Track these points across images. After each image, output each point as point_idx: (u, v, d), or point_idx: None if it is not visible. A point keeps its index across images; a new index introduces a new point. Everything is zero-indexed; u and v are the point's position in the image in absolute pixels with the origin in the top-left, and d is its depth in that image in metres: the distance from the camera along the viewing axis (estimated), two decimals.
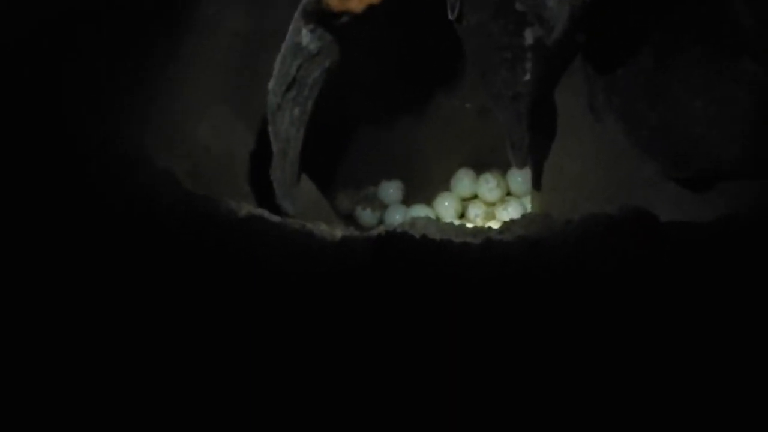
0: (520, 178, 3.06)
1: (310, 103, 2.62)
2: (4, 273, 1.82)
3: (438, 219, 2.96)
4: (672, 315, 1.82)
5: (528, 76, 2.58)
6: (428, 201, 3.16)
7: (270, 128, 2.54)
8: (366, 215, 3.11)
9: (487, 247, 2.05)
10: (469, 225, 2.65)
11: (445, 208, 3.11)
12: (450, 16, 2.58)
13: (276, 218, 2.19)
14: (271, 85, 2.51)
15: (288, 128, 2.58)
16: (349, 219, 3.13)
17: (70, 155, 2.08)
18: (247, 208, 2.24)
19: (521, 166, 2.70)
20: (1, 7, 2.16)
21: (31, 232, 1.90)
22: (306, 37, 2.50)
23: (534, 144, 2.71)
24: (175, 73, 2.55)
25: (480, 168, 3.20)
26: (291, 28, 2.48)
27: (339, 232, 2.16)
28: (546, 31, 2.31)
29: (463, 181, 3.16)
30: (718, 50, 2.35)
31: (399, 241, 1.97)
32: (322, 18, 2.45)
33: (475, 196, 3.15)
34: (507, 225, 2.16)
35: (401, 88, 3.03)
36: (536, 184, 2.78)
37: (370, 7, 2.33)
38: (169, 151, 2.48)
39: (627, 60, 2.44)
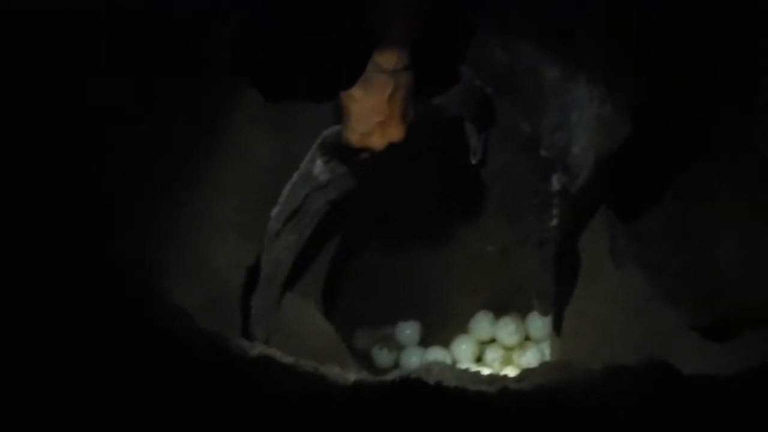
0: (540, 323, 2.99)
1: (308, 231, 2.59)
2: None
3: (454, 364, 2.89)
4: None
5: (555, 222, 2.54)
6: (446, 342, 3.09)
7: (264, 255, 2.52)
8: (382, 356, 3.05)
9: (504, 397, 1.98)
10: (486, 370, 2.58)
11: (463, 351, 3.04)
12: (472, 160, 2.55)
13: (289, 359, 2.12)
14: (275, 212, 2.50)
15: (280, 253, 2.55)
16: (366, 358, 3.05)
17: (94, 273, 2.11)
18: (261, 347, 2.19)
19: (546, 313, 2.65)
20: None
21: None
22: (318, 167, 2.48)
23: (557, 290, 2.66)
24: (198, 198, 2.52)
25: (499, 310, 3.13)
26: (307, 157, 2.47)
27: (352, 375, 2.10)
28: (570, 178, 2.27)
29: (482, 324, 3.09)
30: (748, 191, 2.31)
31: (413, 389, 1.90)
32: (340, 152, 2.40)
33: (493, 340, 3.08)
34: (525, 373, 2.10)
35: (423, 226, 2.98)
36: (557, 329, 2.71)
37: (391, 145, 2.25)
38: (188, 281, 2.42)
39: (650, 204, 2.40)
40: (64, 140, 2.31)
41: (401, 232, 2.99)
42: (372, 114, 2.24)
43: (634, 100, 2.25)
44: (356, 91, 2.23)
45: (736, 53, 2.25)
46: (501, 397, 1.98)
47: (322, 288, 2.83)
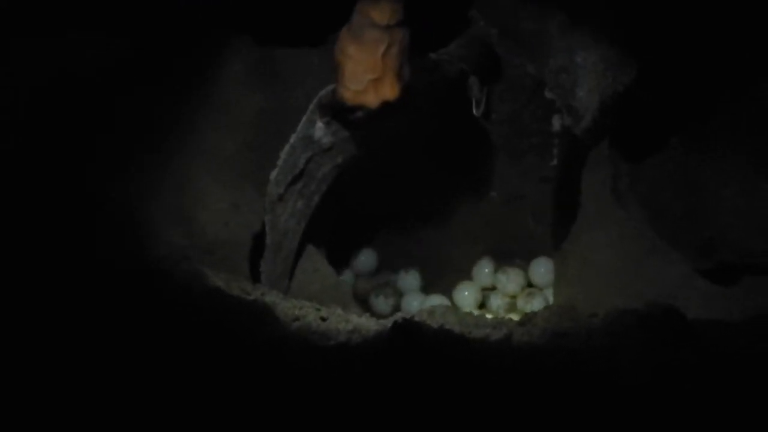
0: (543, 269, 2.96)
1: (317, 197, 2.55)
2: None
3: (457, 308, 2.86)
4: (701, 419, 1.72)
5: (555, 161, 2.52)
6: (448, 291, 3.05)
7: (267, 218, 2.47)
8: (380, 303, 3.02)
9: (509, 341, 1.96)
10: (490, 316, 2.56)
11: (465, 298, 3.02)
12: (475, 112, 2.52)
13: (289, 302, 2.11)
14: (273, 174, 2.44)
15: (288, 220, 2.51)
16: (365, 304, 3.02)
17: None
18: (262, 289, 2.18)
19: (541, 235, 2.64)
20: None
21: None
22: (320, 130, 2.43)
23: (558, 233, 2.63)
24: (184, 157, 2.48)
25: (502, 258, 3.10)
26: (304, 119, 2.42)
27: (354, 317, 2.07)
28: (575, 119, 2.24)
29: (485, 271, 3.07)
30: (750, 142, 2.28)
31: (414, 331, 1.87)
32: (337, 112, 2.36)
33: (495, 287, 3.05)
34: (529, 317, 2.07)
35: (424, 176, 2.94)
36: (560, 275, 2.68)
37: (386, 103, 2.24)
38: (180, 233, 2.39)
39: (654, 146, 2.38)
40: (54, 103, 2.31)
41: (404, 183, 2.95)
42: (365, 71, 2.22)
43: (640, 43, 2.20)
44: (349, 47, 2.21)
45: (742, 9, 2.22)
46: (505, 341, 1.96)
47: (327, 237, 2.79)
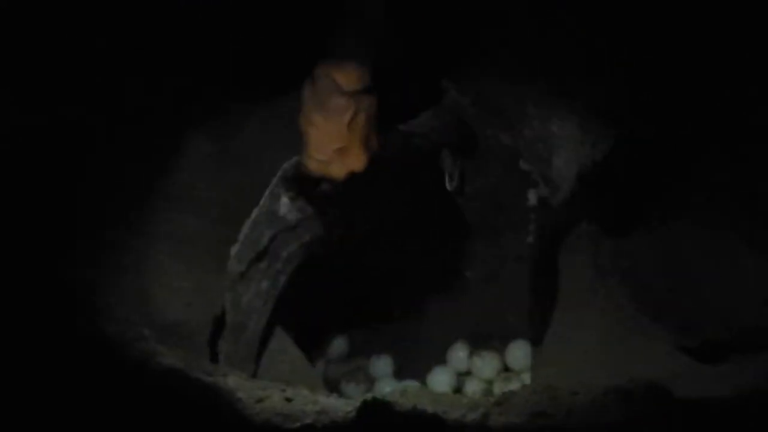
0: (520, 352, 2.85)
1: (283, 277, 2.42)
2: None
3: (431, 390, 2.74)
4: None
5: (530, 238, 2.43)
6: (422, 374, 2.93)
7: (227, 296, 2.35)
8: (351, 389, 2.90)
9: (486, 421, 1.85)
10: None
11: (440, 383, 2.90)
12: (449, 187, 2.45)
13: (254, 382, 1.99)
14: (235, 250, 2.32)
15: (251, 300, 2.38)
16: (338, 391, 2.90)
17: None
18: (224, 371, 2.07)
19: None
20: None
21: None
22: (285, 206, 2.32)
23: (535, 315, 2.54)
24: (151, 231, 2.40)
25: (479, 340, 2.99)
26: (267, 193, 2.30)
27: (322, 398, 1.96)
28: (552, 191, 2.16)
29: (459, 355, 2.96)
30: (730, 210, 2.21)
31: (384, 411, 1.76)
32: (302, 185, 2.26)
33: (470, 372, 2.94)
34: (506, 396, 1.96)
35: (397, 256, 2.84)
36: (538, 355, 2.58)
37: (353, 174, 2.14)
38: (138, 312, 2.28)
39: (634, 221, 2.31)
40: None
41: (376, 264, 2.84)
42: (331, 140, 2.11)
43: (618, 111, 2.14)
44: (314, 115, 2.10)
45: (722, 80, 2.17)
46: (482, 422, 1.86)
47: (294, 318, 2.68)
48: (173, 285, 2.35)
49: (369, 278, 2.87)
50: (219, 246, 2.40)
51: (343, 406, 1.92)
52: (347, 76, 2.07)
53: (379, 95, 2.13)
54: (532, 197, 2.42)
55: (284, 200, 2.29)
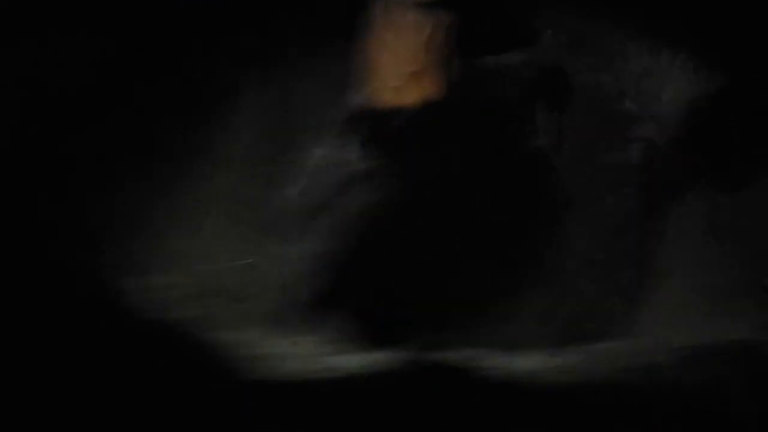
0: None
1: (352, 239, 2.16)
2: None
3: None
4: None
5: (634, 203, 2.17)
6: None
7: (284, 247, 2.11)
8: None
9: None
10: None
11: None
12: (544, 141, 2.20)
13: None
14: (293, 193, 2.09)
15: (303, 260, 2.13)
16: None
17: None
18: None
19: (627, 315, 2.25)
20: None
21: None
22: (354, 152, 2.09)
23: (641, 289, 2.27)
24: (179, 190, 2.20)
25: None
26: (332, 133, 2.07)
27: None
28: (660, 129, 1.91)
29: None
30: None
31: None
32: (372, 123, 2.03)
33: None
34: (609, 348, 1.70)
35: (478, 241, 2.54)
36: None
37: (431, 106, 1.90)
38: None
39: (755, 171, 2.03)
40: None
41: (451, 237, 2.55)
42: (405, 62, 1.89)
43: (737, 40, 1.90)
44: (386, 35, 1.88)
45: None
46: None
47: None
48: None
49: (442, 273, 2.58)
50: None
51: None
52: None
53: (461, 16, 1.89)
54: (635, 153, 2.17)
55: (354, 145, 2.06)
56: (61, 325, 1.70)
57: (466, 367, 1.58)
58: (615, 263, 2.32)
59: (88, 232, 2.03)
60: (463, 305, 2.58)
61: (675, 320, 2.22)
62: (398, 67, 1.84)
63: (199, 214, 2.21)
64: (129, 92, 2.12)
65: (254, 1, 2.23)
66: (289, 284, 2.13)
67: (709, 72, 1.88)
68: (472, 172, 2.28)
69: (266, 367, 1.69)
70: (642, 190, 2.17)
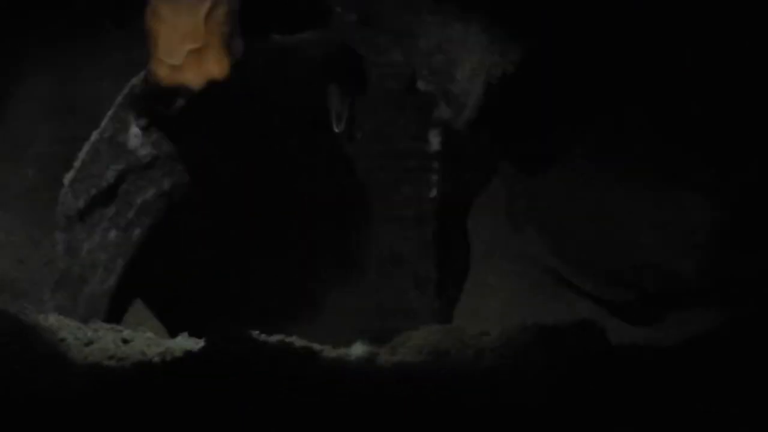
0: None
1: (137, 231, 1.98)
2: None
3: None
4: None
5: (434, 192, 2.06)
6: None
7: (59, 236, 1.92)
8: None
9: (373, 360, 1.49)
10: None
11: None
12: (336, 128, 2.07)
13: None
14: (69, 178, 1.90)
15: (95, 251, 1.95)
16: None
17: None
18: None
19: (428, 309, 2.14)
20: None
21: None
22: (135, 138, 1.90)
23: (443, 281, 2.16)
24: None
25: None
26: (111, 114, 1.88)
27: (169, 341, 1.59)
28: (455, 110, 1.81)
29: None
30: (661, 153, 1.89)
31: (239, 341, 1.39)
32: (153, 105, 1.87)
33: None
34: (403, 338, 1.58)
35: (276, 227, 2.38)
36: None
37: (212, 84, 1.74)
38: None
39: (554, 157, 1.95)
40: None
41: (250, 235, 2.39)
42: (184, 39, 1.71)
43: (535, 14, 1.81)
44: (163, 8, 1.70)
45: None
46: (368, 359, 1.50)
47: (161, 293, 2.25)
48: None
49: (242, 253, 2.41)
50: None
51: (193, 345, 1.54)
52: None
53: None
54: (435, 141, 2.06)
55: (134, 130, 1.89)
56: None
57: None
58: (415, 255, 2.21)
59: None
60: (254, 302, 2.44)
61: (480, 312, 2.14)
62: (176, 44, 1.68)
63: None
64: None
65: None
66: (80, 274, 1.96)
67: (502, 50, 1.78)
68: (257, 160, 2.15)
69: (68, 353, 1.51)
70: (439, 180, 2.07)
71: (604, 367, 1.47)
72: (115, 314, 2.00)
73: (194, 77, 1.73)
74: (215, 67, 1.73)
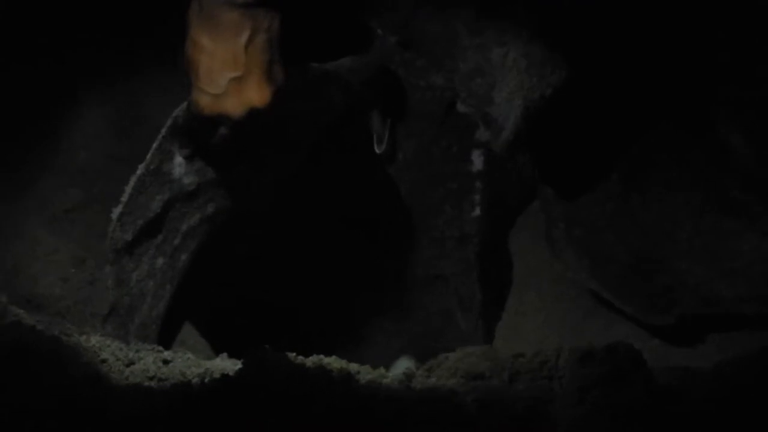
0: None
1: (184, 257, 2.00)
2: None
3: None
4: None
5: (477, 212, 2.08)
6: None
7: (109, 269, 1.94)
8: None
9: (408, 383, 1.50)
10: None
11: None
12: (377, 149, 2.09)
13: None
14: (116, 213, 1.92)
15: (144, 280, 1.98)
16: None
17: None
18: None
19: (473, 329, 2.16)
20: None
21: None
22: (179, 167, 1.92)
23: (486, 300, 2.18)
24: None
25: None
26: (155, 147, 1.88)
27: (208, 362, 1.62)
28: (494, 132, 1.82)
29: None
30: (703, 172, 1.89)
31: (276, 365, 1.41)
32: (196, 135, 1.89)
33: None
34: (438, 361, 1.60)
35: (318, 249, 2.43)
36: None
37: (254, 113, 1.71)
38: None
39: (591, 181, 1.96)
40: None
41: (292, 254, 2.44)
42: (224, 67, 1.68)
43: (573, 38, 1.82)
44: (202, 37, 1.67)
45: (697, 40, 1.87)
46: (404, 382, 1.51)
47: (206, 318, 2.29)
48: (48, 258, 2.00)
49: (286, 277, 2.45)
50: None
51: (232, 366, 1.57)
52: None
53: (285, 18, 1.76)
54: (477, 161, 2.08)
55: (178, 159, 1.92)
56: None
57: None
58: (458, 276, 2.23)
59: None
60: (301, 323, 2.48)
61: (519, 331, 2.15)
62: (217, 73, 1.68)
63: (36, 227, 2.08)
64: None
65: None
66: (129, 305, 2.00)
67: (542, 74, 1.79)
68: (303, 186, 2.17)
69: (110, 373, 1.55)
70: (482, 200, 2.09)
71: (641, 391, 1.48)
72: (165, 339, 2.04)
73: (236, 106, 1.71)
74: (256, 94, 1.71)
